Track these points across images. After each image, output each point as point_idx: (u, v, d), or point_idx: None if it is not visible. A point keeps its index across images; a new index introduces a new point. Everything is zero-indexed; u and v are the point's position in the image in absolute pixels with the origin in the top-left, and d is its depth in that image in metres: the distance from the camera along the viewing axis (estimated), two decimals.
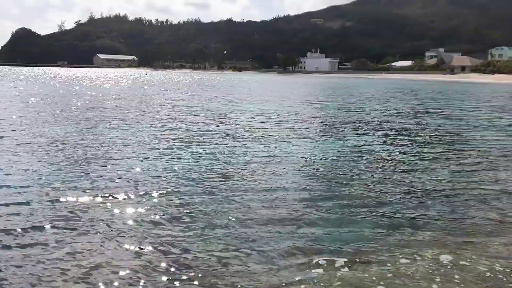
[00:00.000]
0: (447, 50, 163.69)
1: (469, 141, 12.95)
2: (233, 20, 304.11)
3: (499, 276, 4.29)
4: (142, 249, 4.77)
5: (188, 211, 6.05)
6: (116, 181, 7.42)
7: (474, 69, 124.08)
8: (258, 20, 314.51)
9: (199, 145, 11.10)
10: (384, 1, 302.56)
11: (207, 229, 5.43)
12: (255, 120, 16.80)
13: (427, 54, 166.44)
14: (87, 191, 6.81)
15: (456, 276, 4.27)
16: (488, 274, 4.34)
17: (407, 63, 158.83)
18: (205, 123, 15.73)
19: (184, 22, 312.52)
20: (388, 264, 4.54)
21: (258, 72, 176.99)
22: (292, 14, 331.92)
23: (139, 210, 6.02)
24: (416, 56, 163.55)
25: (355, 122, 17.02)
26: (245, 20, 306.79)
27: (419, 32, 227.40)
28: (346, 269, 4.43)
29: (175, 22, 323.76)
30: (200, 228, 5.45)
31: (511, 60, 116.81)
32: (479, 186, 7.70)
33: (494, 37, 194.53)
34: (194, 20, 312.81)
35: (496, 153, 10.92)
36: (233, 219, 5.79)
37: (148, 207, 6.15)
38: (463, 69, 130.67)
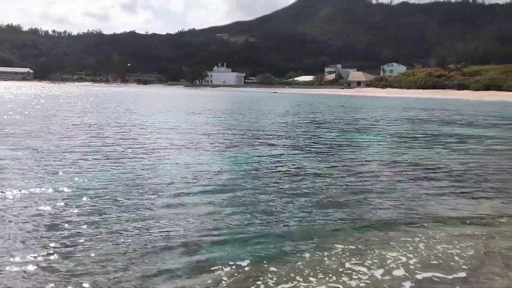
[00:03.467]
0: (344, 66, 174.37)
1: (363, 149, 13.54)
2: (137, 32, 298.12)
3: (399, 272, 4.42)
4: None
5: (87, 226, 5.74)
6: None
7: (369, 84, 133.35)
8: (163, 33, 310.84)
9: (97, 159, 10.26)
10: (284, 18, 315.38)
11: (106, 245, 5.14)
12: (158, 133, 16.10)
13: (326, 69, 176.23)
14: None
15: (363, 274, 4.44)
16: (391, 270, 4.52)
17: (309, 78, 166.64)
18: (106, 136, 14.66)
19: (84, 33, 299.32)
20: (296, 270, 4.66)
21: (164, 85, 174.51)
22: (197, 28, 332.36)
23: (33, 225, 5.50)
24: (316, 71, 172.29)
25: (258, 133, 17.18)
26: (149, 33, 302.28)
27: (319, 49, 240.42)
28: (252, 280, 4.46)
29: (74, 33, 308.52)
30: (99, 245, 5.14)
31: (400, 76, 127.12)
32: (374, 189, 8.06)
33: (385, 54, 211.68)
34: (95, 32, 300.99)
35: (383, 159, 11.43)
36: (136, 236, 5.50)
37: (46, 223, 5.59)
38: (358, 83, 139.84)
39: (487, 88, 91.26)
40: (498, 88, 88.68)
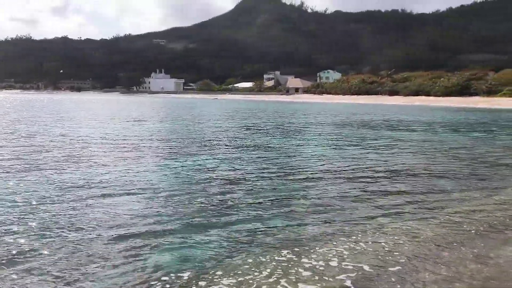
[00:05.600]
0: (282, 72, 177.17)
1: (301, 155, 13.73)
2: (70, 37, 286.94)
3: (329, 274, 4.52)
4: None
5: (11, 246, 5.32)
6: None
7: (306, 90, 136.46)
8: (97, 38, 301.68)
9: (23, 174, 9.70)
10: (223, 25, 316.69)
11: (30, 267, 4.75)
12: (88, 143, 15.38)
13: (265, 76, 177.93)
14: None
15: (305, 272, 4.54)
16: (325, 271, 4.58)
17: (248, 84, 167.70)
18: (32, 148, 13.91)
19: (12, 38, 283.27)
20: (240, 272, 4.69)
21: (99, 92, 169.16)
22: (133, 33, 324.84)
23: None
24: (255, 78, 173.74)
25: (196, 141, 16.96)
26: (82, 38, 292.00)
27: (258, 56, 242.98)
28: (195, 283, 4.48)
29: (1, 38, 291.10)
30: (23, 268, 4.74)
31: (336, 82, 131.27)
32: (310, 191, 8.25)
33: (322, 61, 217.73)
34: (24, 37, 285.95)
35: (319, 160, 11.70)
36: (72, 245, 5.30)
37: None
38: (296, 90, 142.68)
39: (416, 93, 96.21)
40: (427, 93, 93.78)
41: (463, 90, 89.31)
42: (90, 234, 5.81)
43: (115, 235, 5.76)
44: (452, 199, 8.05)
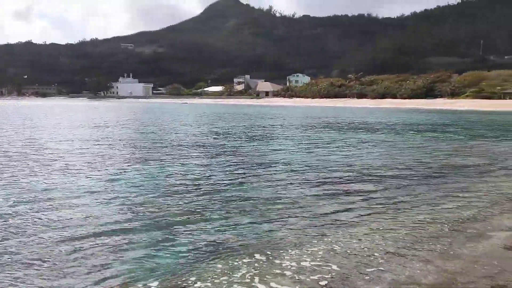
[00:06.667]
0: (252, 76, 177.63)
1: (270, 158, 13.76)
2: (34, 42, 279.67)
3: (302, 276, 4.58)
4: None
5: None
6: None
7: (276, 94, 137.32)
8: (63, 43, 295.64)
9: None
10: (192, 28, 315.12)
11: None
12: (58, 150, 14.99)
13: (235, 80, 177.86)
14: None
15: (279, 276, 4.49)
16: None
17: (218, 88, 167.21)
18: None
19: None
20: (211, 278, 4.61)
21: (65, 98, 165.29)
22: (99, 38, 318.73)
23: None
24: (225, 82, 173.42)
25: (163, 146, 16.75)
26: (47, 43, 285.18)
27: (228, 60, 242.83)
28: None
29: None
30: None
31: (305, 86, 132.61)
32: (283, 198, 8.17)
33: (291, 65, 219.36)
34: None
35: (290, 164, 11.76)
36: (38, 260, 5.03)
37: None
38: (267, 94, 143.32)
39: (383, 96, 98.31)
40: (393, 96, 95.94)
41: (428, 92, 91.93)
42: (54, 242, 5.61)
43: (80, 244, 5.58)
44: (418, 198, 8.22)
